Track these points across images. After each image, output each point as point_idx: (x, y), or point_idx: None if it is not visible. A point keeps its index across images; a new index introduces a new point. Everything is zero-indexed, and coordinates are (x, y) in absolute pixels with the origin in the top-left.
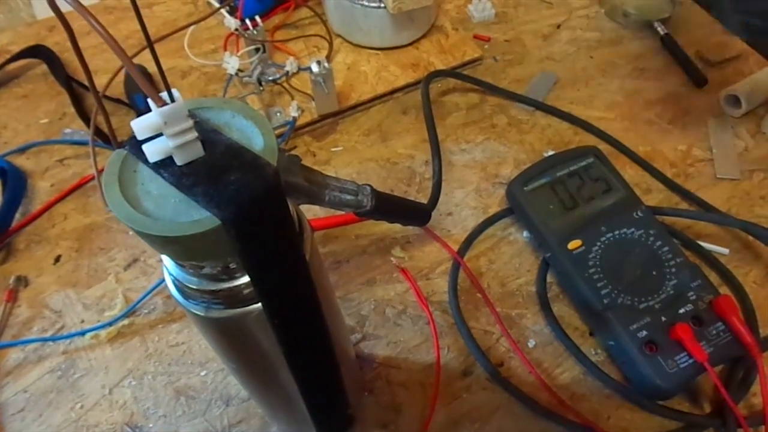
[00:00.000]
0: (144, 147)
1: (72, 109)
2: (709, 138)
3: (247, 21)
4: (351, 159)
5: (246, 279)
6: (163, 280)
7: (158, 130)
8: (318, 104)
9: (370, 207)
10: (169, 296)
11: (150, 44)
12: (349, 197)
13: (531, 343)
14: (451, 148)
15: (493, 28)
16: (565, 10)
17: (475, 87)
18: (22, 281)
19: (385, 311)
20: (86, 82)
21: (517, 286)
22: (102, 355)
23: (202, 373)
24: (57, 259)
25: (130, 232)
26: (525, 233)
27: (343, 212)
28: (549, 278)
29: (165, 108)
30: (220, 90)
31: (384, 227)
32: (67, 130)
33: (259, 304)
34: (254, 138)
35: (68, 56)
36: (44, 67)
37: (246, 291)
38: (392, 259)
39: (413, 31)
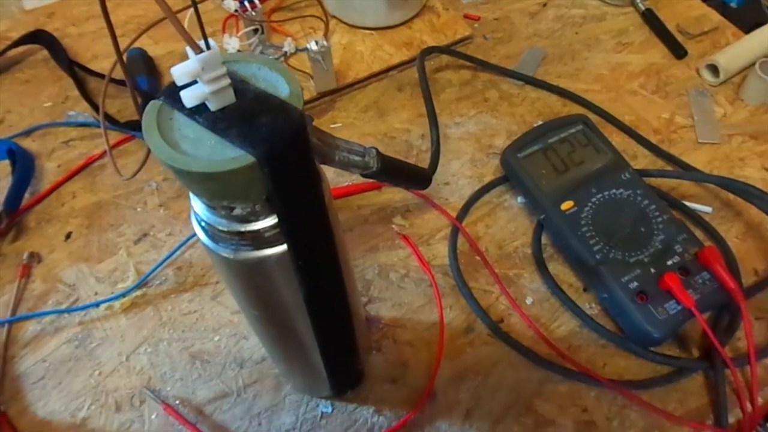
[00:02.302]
0: (182, 93)
1: (75, 93)
2: (690, 106)
3: (246, 3)
4: (350, 135)
5: (272, 221)
6: (174, 252)
7: (195, 76)
8: (317, 82)
9: (376, 168)
10: (180, 267)
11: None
12: (356, 158)
13: (529, 301)
14: (446, 122)
15: (483, 8)
16: None
17: (467, 64)
18: (35, 257)
19: (389, 275)
20: (88, 66)
21: (513, 248)
22: (117, 324)
23: (216, 339)
24: (68, 236)
25: (138, 208)
26: (519, 198)
27: (346, 184)
28: (544, 240)
29: (203, 54)
30: None
31: (384, 197)
32: (71, 113)
33: (284, 246)
34: (280, 86)
35: (68, 41)
36: (45, 52)
37: (271, 233)
38: (394, 226)
39: (406, 11)
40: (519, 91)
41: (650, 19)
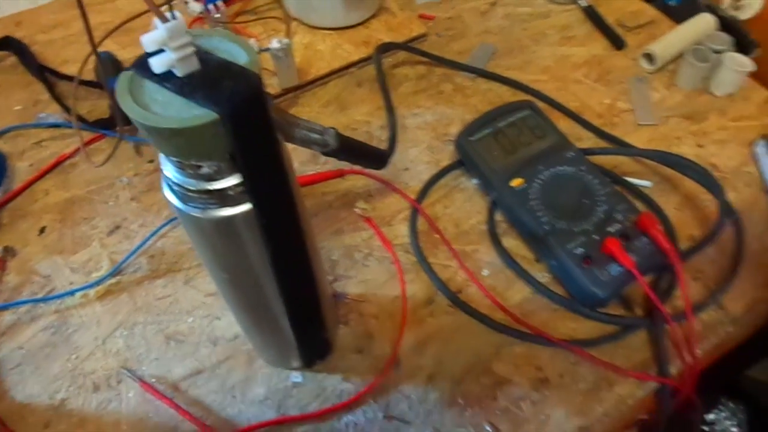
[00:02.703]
0: (151, 60)
1: (44, 97)
2: (629, 92)
3: (210, 6)
4: None
5: (236, 180)
6: (146, 240)
7: (163, 44)
8: (280, 79)
9: (335, 146)
10: (153, 256)
11: None
12: (316, 136)
13: (485, 272)
14: (404, 113)
15: (436, 8)
16: None
17: (422, 59)
18: (9, 252)
19: (354, 255)
20: (58, 71)
21: (469, 226)
22: (92, 311)
23: (189, 320)
24: (42, 231)
25: (111, 202)
26: (474, 180)
27: (311, 173)
28: (497, 216)
29: (169, 23)
30: None
31: (347, 184)
32: (42, 114)
33: (249, 205)
34: (239, 56)
35: (37, 48)
36: (14, 59)
37: (236, 191)
38: (357, 210)
39: (363, 11)
40: (471, 84)
41: (591, 14)
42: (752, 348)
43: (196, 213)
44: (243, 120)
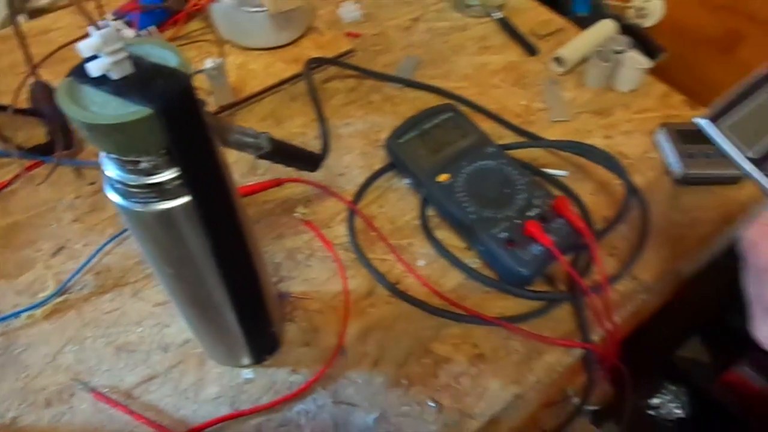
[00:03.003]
0: (87, 65)
1: None
2: (543, 93)
3: (143, 32)
4: None
5: (174, 173)
6: (91, 258)
7: (98, 50)
8: (216, 97)
9: (268, 148)
10: (99, 273)
11: None
12: (249, 139)
13: (421, 263)
14: (337, 124)
15: (362, 26)
16: (420, 7)
17: (351, 73)
18: None
19: (296, 257)
20: None
21: (404, 222)
22: (40, 330)
23: (139, 330)
24: None
25: (53, 225)
26: (405, 180)
27: (251, 183)
28: (429, 211)
29: (103, 30)
30: None
31: (286, 192)
32: None
33: (188, 197)
34: (170, 60)
35: None
36: None
37: (175, 184)
38: (296, 215)
39: (292, 32)
40: (399, 93)
41: (505, 25)
42: (682, 329)
43: (138, 208)
44: (176, 114)
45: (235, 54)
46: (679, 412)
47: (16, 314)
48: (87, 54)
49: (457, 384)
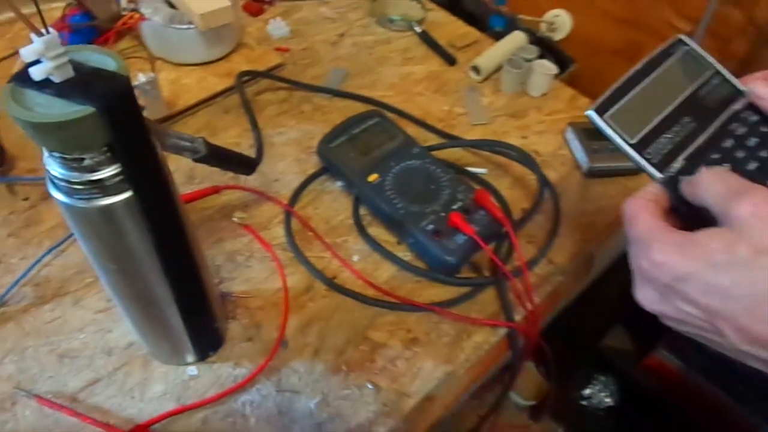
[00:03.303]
0: (30, 69)
1: None
2: (463, 99)
3: None
4: None
5: (116, 169)
6: (28, 271)
7: (40, 55)
8: (150, 111)
9: (204, 151)
10: (38, 284)
11: None
12: (186, 143)
13: (355, 258)
14: (270, 133)
15: (290, 42)
16: (345, 23)
17: (282, 85)
18: None
19: (236, 258)
20: None
21: (338, 221)
22: None
23: (81, 336)
24: None
25: None
26: (338, 183)
27: (189, 191)
28: (362, 211)
29: (44, 36)
30: None
31: (224, 198)
32: None
33: (130, 192)
34: (109, 64)
35: None
36: None
37: (117, 180)
38: (235, 219)
39: (223, 47)
40: (329, 103)
41: (426, 38)
42: (606, 319)
43: (81, 204)
44: (117, 112)
45: (167, 70)
46: (608, 400)
47: None
48: (30, 59)
49: (393, 366)
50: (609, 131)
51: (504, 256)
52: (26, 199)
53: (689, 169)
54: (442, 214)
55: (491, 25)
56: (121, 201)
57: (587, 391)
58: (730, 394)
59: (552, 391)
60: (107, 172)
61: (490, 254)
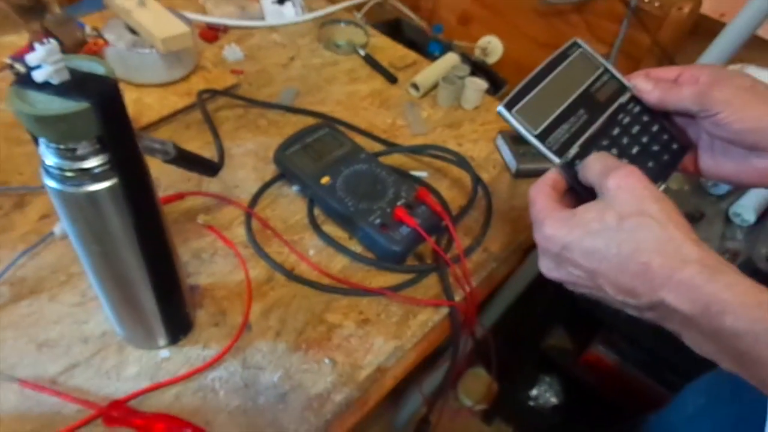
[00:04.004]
0: (34, 73)
1: None
2: (404, 113)
3: None
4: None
5: (104, 158)
6: (3, 273)
7: (42, 61)
8: None
9: (174, 154)
10: (13, 284)
11: None
12: (158, 146)
13: (311, 252)
14: (230, 146)
15: (245, 65)
16: (295, 48)
17: (239, 103)
18: None
19: (201, 256)
20: None
21: (295, 221)
22: None
23: (58, 328)
24: None
25: None
26: (294, 187)
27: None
28: (316, 211)
29: (46, 46)
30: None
31: (188, 204)
32: None
33: (115, 179)
34: (98, 70)
35: None
36: None
37: (104, 168)
38: (199, 221)
39: (181, 69)
40: (282, 118)
41: (369, 60)
42: (547, 320)
43: (71, 190)
44: (107, 108)
45: (129, 90)
46: (554, 400)
47: None
48: (33, 64)
49: (347, 344)
50: (516, 124)
51: (444, 247)
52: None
53: (583, 154)
54: (388, 209)
55: (430, 51)
56: (106, 187)
57: (534, 392)
58: (662, 384)
59: (500, 392)
60: (95, 161)
61: (431, 244)
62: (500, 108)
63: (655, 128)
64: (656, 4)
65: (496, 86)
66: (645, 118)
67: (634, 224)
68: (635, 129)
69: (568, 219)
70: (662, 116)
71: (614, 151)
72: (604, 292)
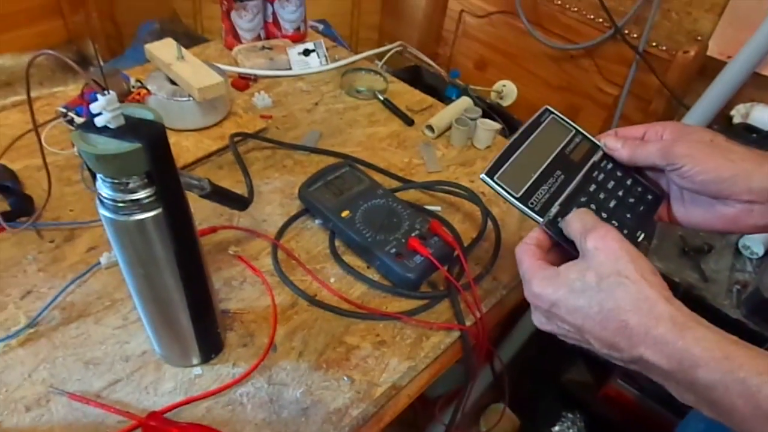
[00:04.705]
0: (96, 119)
1: None
2: (420, 152)
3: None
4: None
5: (152, 191)
6: (57, 297)
7: (102, 108)
8: None
9: (209, 189)
10: (65, 308)
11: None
12: (195, 182)
13: (332, 280)
14: (258, 183)
15: (273, 110)
16: (319, 94)
17: (267, 145)
18: None
19: (232, 283)
20: None
21: (317, 251)
22: (16, 356)
23: (103, 347)
24: None
25: (19, 276)
26: (317, 221)
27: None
28: (337, 243)
29: (106, 96)
30: (76, 174)
31: (220, 237)
32: None
33: (159, 209)
34: (147, 116)
35: None
36: None
37: (151, 200)
38: (230, 252)
39: (216, 116)
40: (307, 158)
41: (388, 104)
42: (568, 354)
43: (122, 219)
44: (156, 147)
45: (169, 135)
46: None
47: None
48: (95, 111)
49: (365, 363)
50: (499, 189)
51: (456, 275)
52: (52, 241)
53: (564, 212)
54: (403, 240)
55: (447, 95)
56: (152, 216)
57: (556, 428)
58: (678, 416)
59: (521, 428)
60: (144, 194)
61: (443, 272)
62: (483, 175)
63: (629, 182)
64: (663, 47)
65: (511, 127)
66: (618, 173)
67: (612, 284)
68: (610, 184)
69: (554, 278)
70: (635, 170)
71: (592, 206)
72: (591, 345)
